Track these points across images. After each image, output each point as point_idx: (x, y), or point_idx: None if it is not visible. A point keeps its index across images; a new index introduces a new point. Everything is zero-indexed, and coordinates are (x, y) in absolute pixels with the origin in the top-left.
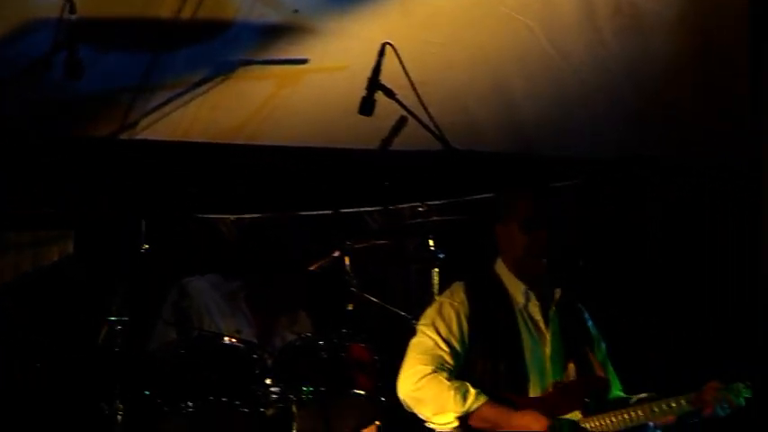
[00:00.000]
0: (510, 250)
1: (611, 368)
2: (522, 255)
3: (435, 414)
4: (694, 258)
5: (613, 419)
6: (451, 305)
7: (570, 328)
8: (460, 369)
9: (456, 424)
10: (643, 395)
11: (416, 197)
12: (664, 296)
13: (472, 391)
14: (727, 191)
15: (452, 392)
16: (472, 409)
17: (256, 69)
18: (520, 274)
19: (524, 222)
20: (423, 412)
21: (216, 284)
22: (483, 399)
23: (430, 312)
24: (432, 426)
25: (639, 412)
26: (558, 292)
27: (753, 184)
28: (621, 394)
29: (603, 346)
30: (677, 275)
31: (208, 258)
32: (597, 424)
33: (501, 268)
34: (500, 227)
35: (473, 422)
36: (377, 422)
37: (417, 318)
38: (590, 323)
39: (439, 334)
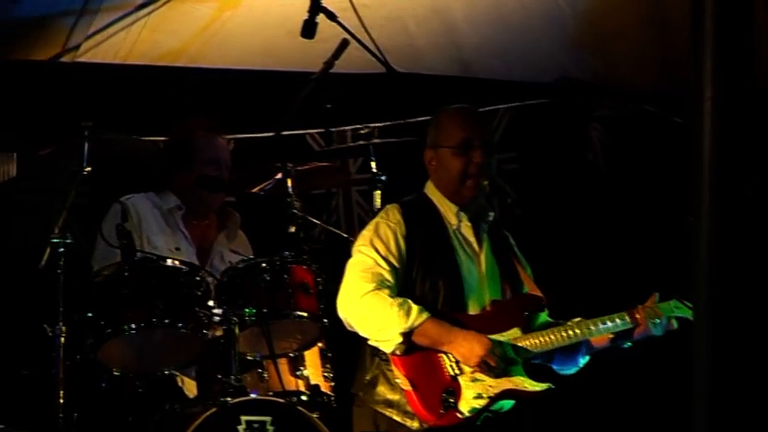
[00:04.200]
0: (443, 174)
1: None
2: (456, 178)
3: (379, 330)
4: (634, 183)
5: (552, 337)
6: (388, 225)
7: (501, 249)
8: (400, 288)
9: (400, 340)
10: (576, 319)
11: (358, 119)
12: (605, 223)
13: (415, 307)
14: (666, 117)
15: (396, 309)
16: (415, 325)
17: None
18: (452, 195)
19: (458, 145)
20: (365, 330)
21: (155, 202)
22: (426, 315)
23: (366, 233)
24: (375, 344)
25: (578, 330)
26: (491, 215)
27: (691, 110)
28: (549, 319)
29: (530, 271)
30: (618, 201)
31: (146, 178)
32: (537, 342)
33: (432, 191)
34: (430, 151)
35: (416, 338)
36: (320, 344)
37: None
38: (515, 249)
39: (378, 252)
